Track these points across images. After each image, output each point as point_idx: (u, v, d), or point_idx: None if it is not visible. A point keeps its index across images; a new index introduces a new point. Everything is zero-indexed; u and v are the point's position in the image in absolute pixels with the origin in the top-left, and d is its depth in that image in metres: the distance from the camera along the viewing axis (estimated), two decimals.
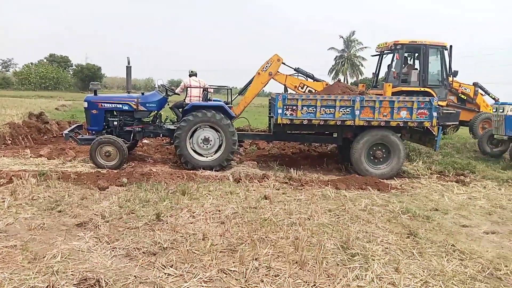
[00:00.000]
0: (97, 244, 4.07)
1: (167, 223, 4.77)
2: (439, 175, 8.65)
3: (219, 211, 5.33)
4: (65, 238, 4.19)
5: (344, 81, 55.00)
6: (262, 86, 9.86)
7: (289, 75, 9.87)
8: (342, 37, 57.99)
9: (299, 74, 9.97)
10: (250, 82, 9.89)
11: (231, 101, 8.92)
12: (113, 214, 5.00)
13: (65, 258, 3.69)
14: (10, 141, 10.76)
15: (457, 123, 11.73)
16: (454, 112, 11.24)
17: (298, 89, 9.85)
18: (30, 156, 8.68)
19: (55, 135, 12.10)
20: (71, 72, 61.92)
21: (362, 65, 55.45)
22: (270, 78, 9.67)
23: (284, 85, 9.85)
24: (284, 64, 9.71)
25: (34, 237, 4.19)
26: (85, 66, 61.41)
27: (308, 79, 10.00)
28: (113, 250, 3.94)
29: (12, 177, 6.26)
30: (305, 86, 9.80)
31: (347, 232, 4.64)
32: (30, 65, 57.79)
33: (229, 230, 4.60)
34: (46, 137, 11.88)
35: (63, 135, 8.38)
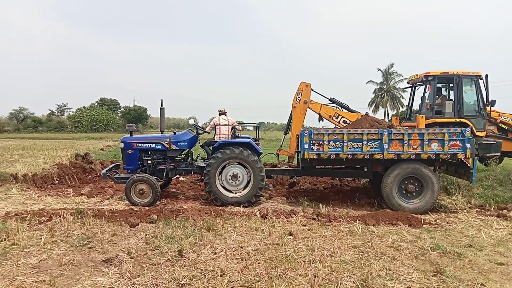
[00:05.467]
0: (119, 280, 4.23)
1: (188, 259, 4.87)
2: (479, 209, 8.20)
3: (241, 247, 5.38)
4: (90, 274, 4.40)
5: (384, 113, 54.12)
6: (303, 117, 10.00)
7: (324, 104, 9.98)
8: (380, 70, 57.69)
9: (335, 105, 10.07)
10: (290, 118, 10.08)
11: (259, 137, 9.12)
12: (139, 250, 5.20)
13: None
14: (57, 181, 11.51)
15: (499, 154, 11.18)
16: (495, 142, 10.80)
17: (332, 119, 9.91)
18: (72, 195, 9.23)
19: (98, 174, 12.78)
20: (120, 114, 65.57)
21: (402, 97, 54.40)
22: (306, 107, 9.85)
23: (319, 114, 9.94)
24: (314, 91, 9.86)
25: (63, 272, 4.44)
26: (132, 108, 65.00)
27: (343, 109, 10.04)
28: (133, 286, 4.08)
29: (52, 215, 6.70)
30: (340, 116, 9.85)
31: (369, 270, 4.51)
32: (83, 108, 61.93)
33: (248, 266, 4.63)
34: (90, 176, 12.58)
35: (101, 174, 8.88)
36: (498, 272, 4.69)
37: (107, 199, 8.92)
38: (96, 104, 65.09)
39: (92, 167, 13.33)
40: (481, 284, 4.17)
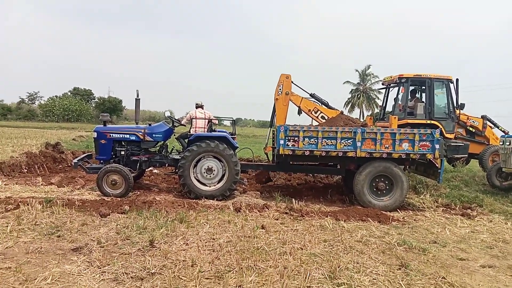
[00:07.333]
0: (88, 268, 4.18)
1: (159, 249, 4.86)
2: (445, 208, 8.52)
3: (214, 239, 5.40)
4: (58, 262, 4.32)
5: (360, 114, 55.08)
6: (286, 108, 10.10)
7: (304, 98, 10.12)
8: (358, 71, 58.70)
9: (314, 100, 10.22)
10: (274, 111, 10.15)
11: (235, 131, 9.13)
12: (109, 240, 5.13)
13: (54, 281, 3.82)
14: (26, 170, 11.17)
15: (466, 155, 11.62)
16: (463, 144, 11.18)
17: (311, 113, 10.06)
18: (41, 184, 8.99)
19: (69, 164, 12.49)
20: (93, 105, 64.04)
21: (378, 98, 55.53)
22: (288, 98, 9.96)
23: (299, 107, 10.07)
24: (294, 84, 9.98)
25: (30, 260, 4.35)
26: (107, 99, 63.55)
27: (323, 105, 10.20)
28: (102, 274, 4.04)
29: (20, 203, 6.51)
30: (319, 111, 10.00)
31: (337, 262, 4.63)
32: (55, 97, 60.13)
33: (219, 257, 4.66)
34: (60, 166, 12.27)
35: (73, 164, 8.68)
36: (459, 266, 4.90)
37: (78, 189, 8.74)
38: (69, 93, 63.34)
39: (63, 157, 12.99)
40: (442, 278, 4.35)
